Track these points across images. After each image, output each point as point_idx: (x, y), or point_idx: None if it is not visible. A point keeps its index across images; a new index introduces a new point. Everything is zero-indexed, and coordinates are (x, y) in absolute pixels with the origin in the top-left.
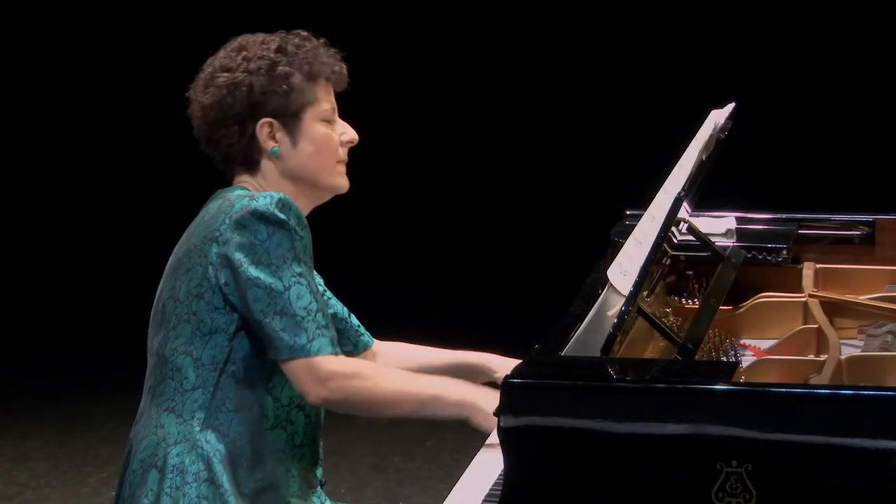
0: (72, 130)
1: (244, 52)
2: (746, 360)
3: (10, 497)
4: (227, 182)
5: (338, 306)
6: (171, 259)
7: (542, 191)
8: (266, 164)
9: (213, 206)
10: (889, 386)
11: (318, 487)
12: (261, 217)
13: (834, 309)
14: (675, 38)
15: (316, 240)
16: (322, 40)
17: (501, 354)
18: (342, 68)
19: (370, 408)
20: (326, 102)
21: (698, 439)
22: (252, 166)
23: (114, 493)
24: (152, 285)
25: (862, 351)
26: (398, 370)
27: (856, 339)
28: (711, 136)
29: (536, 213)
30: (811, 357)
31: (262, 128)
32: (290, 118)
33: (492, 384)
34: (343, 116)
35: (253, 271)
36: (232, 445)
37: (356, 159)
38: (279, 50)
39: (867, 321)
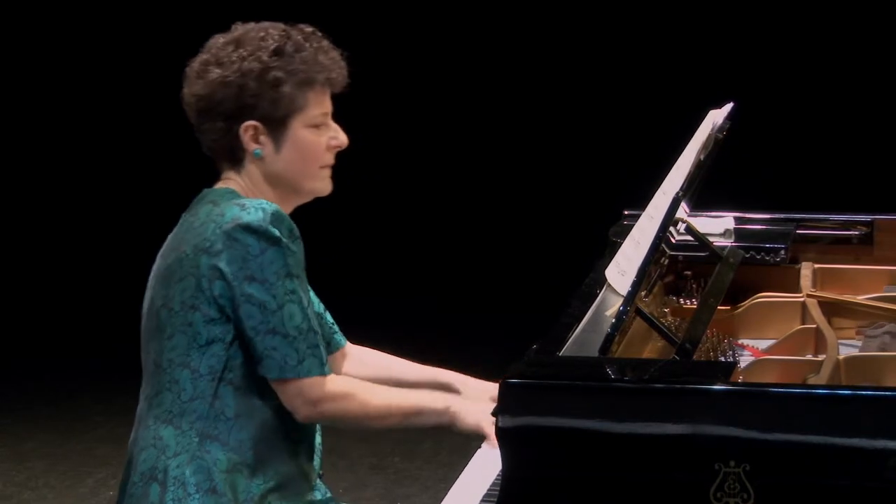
0: (70, 128)
1: (241, 49)
2: (744, 360)
3: (8, 497)
4: (214, 173)
5: (314, 301)
6: (160, 263)
7: (541, 190)
8: (249, 165)
9: (202, 212)
10: (887, 386)
11: (318, 479)
12: (253, 232)
13: (832, 309)
14: (673, 38)
15: (316, 240)
16: (325, 40)
17: (497, 355)
18: (341, 72)
19: (358, 424)
20: (317, 108)
21: (696, 439)
22: (236, 163)
23: (111, 493)
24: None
25: (860, 351)
26: (382, 386)
27: (854, 339)
28: (710, 135)
29: (535, 212)
30: (809, 357)
31: (247, 130)
32: (276, 124)
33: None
34: (340, 115)
35: (246, 287)
36: (232, 453)
37: (361, 159)
38: (276, 52)
39: (865, 321)
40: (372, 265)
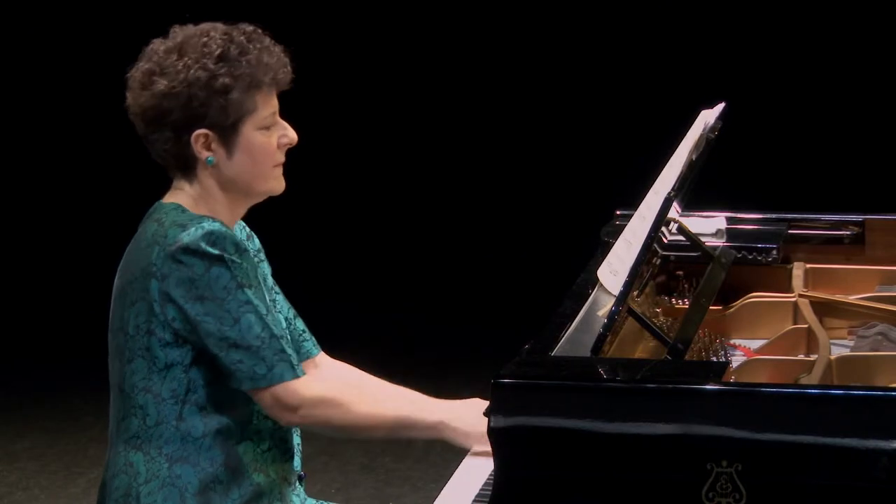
0: (68, 127)
1: (185, 58)
2: (736, 360)
3: None
4: (168, 180)
5: (283, 306)
6: (116, 282)
7: (532, 191)
8: (201, 172)
9: (148, 231)
10: (879, 386)
11: (297, 483)
12: (194, 252)
13: (824, 309)
14: (665, 38)
15: (310, 242)
16: (267, 38)
17: (490, 355)
18: (286, 70)
19: (341, 432)
20: (266, 109)
21: (688, 439)
22: (187, 171)
23: None
24: None
25: (852, 351)
26: (371, 394)
27: (846, 339)
28: (701, 135)
29: (526, 212)
30: (801, 357)
31: (198, 138)
32: (226, 130)
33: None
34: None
35: (199, 308)
36: (203, 474)
37: (350, 160)
38: (221, 58)
39: (857, 321)
40: (356, 268)
